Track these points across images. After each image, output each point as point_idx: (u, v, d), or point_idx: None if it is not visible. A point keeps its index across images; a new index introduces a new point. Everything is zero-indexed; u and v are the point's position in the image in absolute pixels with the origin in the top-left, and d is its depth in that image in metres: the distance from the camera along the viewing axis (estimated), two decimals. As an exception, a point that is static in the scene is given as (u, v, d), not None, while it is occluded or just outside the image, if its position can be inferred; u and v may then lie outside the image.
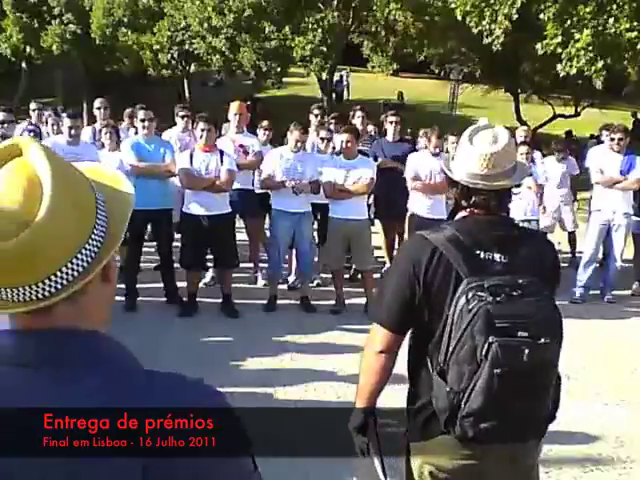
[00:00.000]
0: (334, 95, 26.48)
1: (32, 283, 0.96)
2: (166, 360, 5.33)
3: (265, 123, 7.72)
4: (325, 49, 20.52)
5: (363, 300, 6.54)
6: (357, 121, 7.87)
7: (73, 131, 6.03)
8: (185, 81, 26.22)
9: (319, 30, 20.29)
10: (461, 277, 1.99)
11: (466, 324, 1.93)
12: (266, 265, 7.21)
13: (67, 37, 24.80)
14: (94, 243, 1.00)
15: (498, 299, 1.93)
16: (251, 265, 7.55)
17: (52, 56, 25.80)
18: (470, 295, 1.95)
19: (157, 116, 6.91)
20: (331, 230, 6.63)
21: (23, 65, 28.34)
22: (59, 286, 0.97)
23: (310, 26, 20.42)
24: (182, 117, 7.67)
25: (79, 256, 0.98)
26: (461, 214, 2.19)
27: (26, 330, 0.99)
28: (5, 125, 6.08)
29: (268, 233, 7.22)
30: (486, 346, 1.91)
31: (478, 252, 2.04)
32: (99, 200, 1.04)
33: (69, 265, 0.97)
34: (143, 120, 6.54)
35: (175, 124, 7.82)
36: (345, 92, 31.03)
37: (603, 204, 7.26)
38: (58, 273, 0.96)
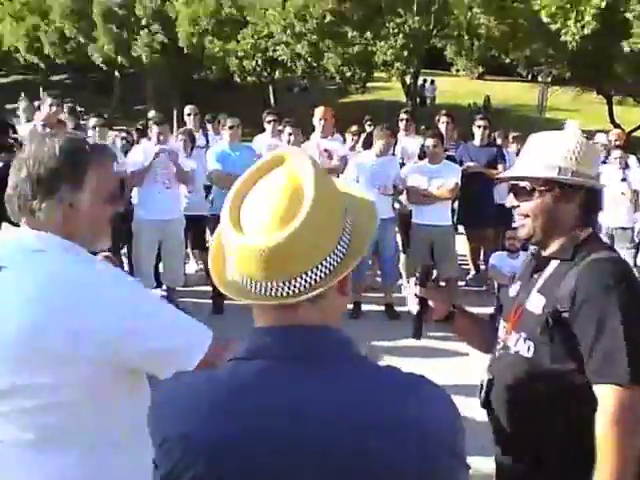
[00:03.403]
0: (418, 99, 26.28)
1: (284, 280, 1.04)
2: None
3: (354, 128, 7.77)
4: (407, 53, 20.40)
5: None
6: (442, 126, 7.77)
7: (162, 137, 6.19)
8: (270, 87, 26.62)
9: (400, 35, 20.20)
10: None
11: None
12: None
13: (155, 46, 25.67)
14: (338, 252, 1.07)
15: None
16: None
17: (142, 65, 26.76)
18: None
19: (243, 122, 7.02)
20: (414, 236, 6.55)
21: (116, 74, 29.51)
22: (304, 287, 1.05)
23: (391, 31, 20.36)
24: (269, 122, 7.78)
25: (324, 262, 1.05)
26: (584, 233, 1.84)
27: (280, 326, 1.08)
28: (97, 129, 6.30)
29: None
30: None
31: None
32: (348, 213, 1.12)
33: (315, 270, 1.04)
34: (231, 127, 6.66)
35: (262, 130, 7.93)
36: (430, 97, 30.81)
37: None
38: (305, 275, 1.04)
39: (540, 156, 1.81)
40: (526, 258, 2.09)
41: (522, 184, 1.83)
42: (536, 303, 1.81)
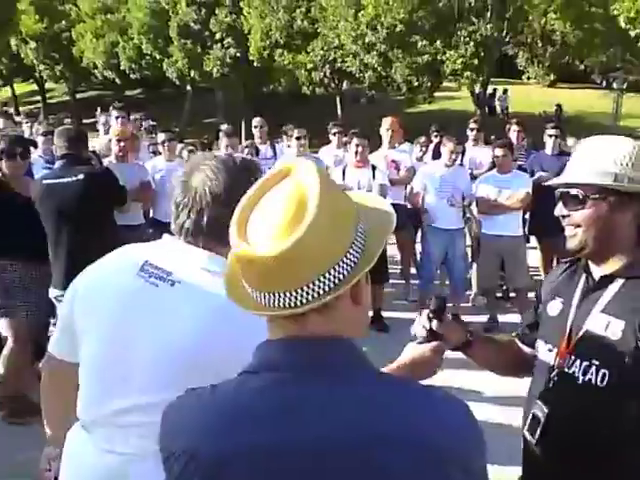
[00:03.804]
0: (487, 109, 25.91)
1: (289, 290, 1.02)
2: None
3: (422, 139, 7.76)
4: (477, 62, 20.16)
5: (517, 319, 6.29)
6: (512, 135, 7.65)
7: (230, 149, 6.30)
8: (338, 98, 26.76)
9: (471, 43, 19.99)
10: None
11: None
12: (417, 281, 7.15)
13: (227, 60, 26.23)
14: (348, 262, 1.04)
15: None
16: (402, 281, 7.52)
17: (213, 79, 27.37)
18: None
19: (310, 134, 7.09)
20: (484, 247, 6.45)
21: (188, 88, 30.28)
22: (312, 297, 1.02)
23: (462, 39, 20.17)
24: (335, 134, 7.82)
25: (332, 271, 1.03)
26: None
27: (288, 338, 1.07)
28: (166, 144, 6.46)
29: (419, 248, 7.16)
30: None
31: None
32: (361, 222, 1.09)
33: (322, 278, 1.02)
34: (298, 138, 6.73)
35: (329, 141, 7.98)
36: (500, 107, 30.27)
37: None
38: (312, 284, 1.02)
39: (593, 162, 1.67)
40: (558, 271, 1.90)
41: (573, 192, 1.68)
42: (606, 325, 1.63)
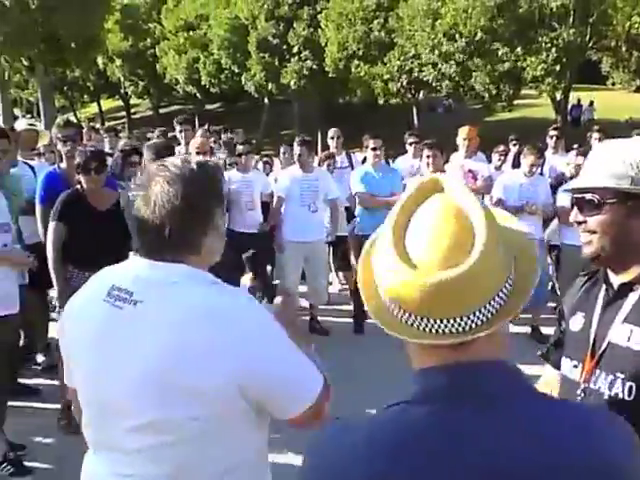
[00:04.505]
0: (569, 117, 25.20)
1: (461, 315, 0.99)
2: (396, 383, 5.39)
3: (500, 148, 7.64)
4: (559, 68, 19.66)
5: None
6: (594, 143, 7.41)
7: (302, 158, 6.33)
8: (414, 108, 26.64)
9: (553, 49, 19.52)
10: None
11: None
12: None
13: (304, 73, 26.59)
14: (507, 286, 1.03)
15: None
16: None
17: (290, 91, 27.78)
18: None
19: (386, 144, 7.06)
20: (564, 258, 6.25)
21: (265, 100, 30.83)
22: (480, 322, 1.00)
23: (544, 45, 19.72)
24: (411, 144, 7.78)
25: (497, 297, 1.01)
26: None
27: (448, 365, 1.02)
28: (243, 157, 6.57)
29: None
30: None
31: None
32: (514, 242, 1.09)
33: (492, 303, 1.00)
34: (374, 149, 6.72)
35: (406, 151, 7.95)
36: (585, 118, 29.26)
37: None
38: (483, 309, 1.00)
39: (609, 165, 1.57)
40: (578, 284, 1.80)
41: (588, 197, 1.58)
42: (629, 335, 1.55)
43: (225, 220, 1.66)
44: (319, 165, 7.31)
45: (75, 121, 8.73)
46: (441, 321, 1.00)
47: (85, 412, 1.66)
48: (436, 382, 1.02)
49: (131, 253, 1.66)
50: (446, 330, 1.00)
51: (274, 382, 1.55)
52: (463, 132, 7.05)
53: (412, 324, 1.02)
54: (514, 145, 8.19)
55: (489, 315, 1.00)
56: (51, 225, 4.33)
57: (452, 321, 0.99)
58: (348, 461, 0.99)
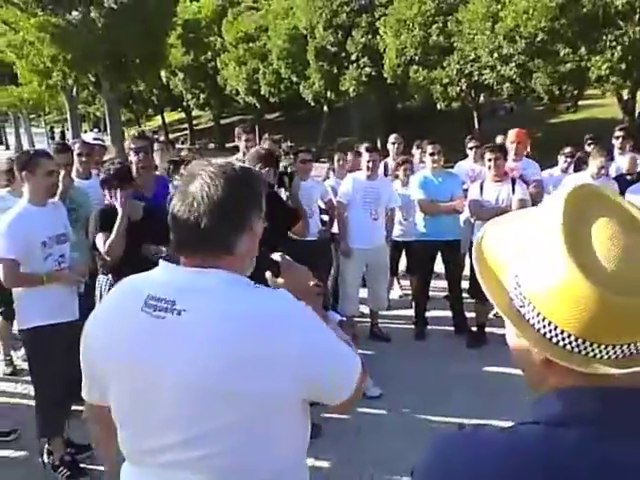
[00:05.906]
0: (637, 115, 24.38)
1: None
2: (456, 391, 5.32)
3: (567, 149, 7.47)
4: (624, 66, 19.08)
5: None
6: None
7: (371, 165, 6.32)
8: (474, 112, 26.29)
9: (618, 47, 18.95)
10: None
11: None
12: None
13: (362, 79, 26.61)
14: None
15: None
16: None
17: (349, 98, 27.83)
18: None
19: (447, 148, 7.00)
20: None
21: (324, 108, 30.97)
22: None
23: (608, 44, 19.18)
24: (472, 148, 7.69)
25: None
26: None
27: (605, 386, 0.95)
28: (301, 164, 6.58)
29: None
30: None
31: None
32: None
33: None
34: (432, 154, 6.67)
35: (465, 156, 7.87)
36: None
37: None
38: None
39: None
40: None
41: None
42: None
43: (262, 227, 1.62)
44: (396, 169, 7.36)
45: (149, 134, 8.94)
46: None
47: (123, 426, 1.62)
48: (584, 403, 0.94)
49: (161, 261, 1.60)
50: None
51: (329, 377, 1.56)
52: (511, 135, 6.97)
53: (619, 349, 0.93)
54: (589, 145, 7.91)
55: None
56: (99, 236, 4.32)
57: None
58: (490, 474, 0.93)
